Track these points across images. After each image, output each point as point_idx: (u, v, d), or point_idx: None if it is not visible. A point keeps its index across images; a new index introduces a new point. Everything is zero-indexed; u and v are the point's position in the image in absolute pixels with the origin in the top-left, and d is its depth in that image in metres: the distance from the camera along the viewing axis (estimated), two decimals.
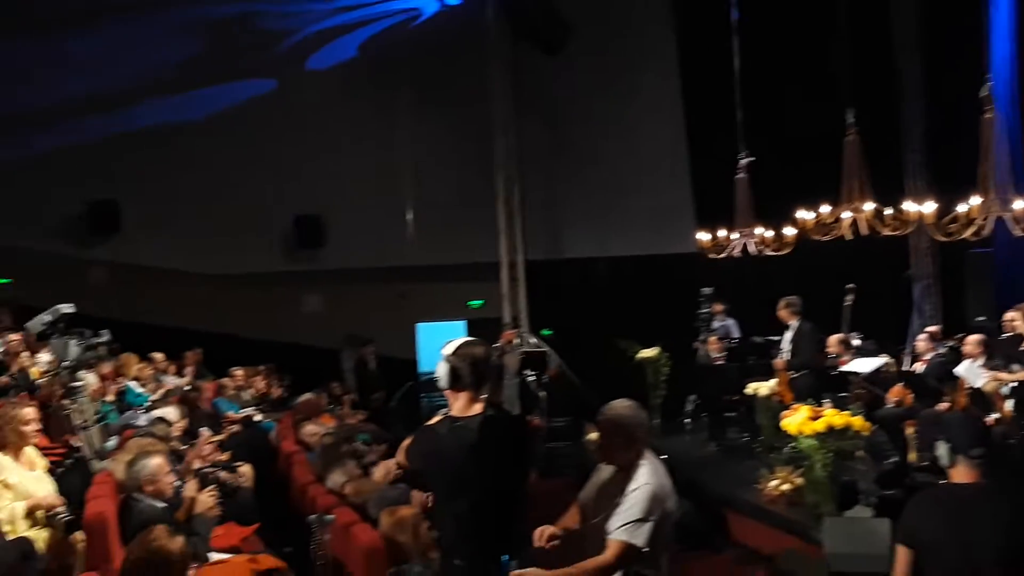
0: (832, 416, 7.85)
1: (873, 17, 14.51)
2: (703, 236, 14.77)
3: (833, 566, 6.89)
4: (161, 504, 6.04)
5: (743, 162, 13.47)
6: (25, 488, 6.19)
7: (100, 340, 8.80)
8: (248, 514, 7.73)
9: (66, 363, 8.29)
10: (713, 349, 13.05)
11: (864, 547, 6.67)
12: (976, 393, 9.46)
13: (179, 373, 13.05)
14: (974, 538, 4.07)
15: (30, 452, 6.57)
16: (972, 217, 10.51)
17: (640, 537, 4.47)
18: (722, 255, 14.14)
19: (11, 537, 5.83)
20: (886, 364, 11.24)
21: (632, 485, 4.59)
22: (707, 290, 13.44)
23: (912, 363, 11.74)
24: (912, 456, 9.43)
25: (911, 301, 15.59)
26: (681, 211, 16.89)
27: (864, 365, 10.80)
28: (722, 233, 14.13)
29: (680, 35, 17.14)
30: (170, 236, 15.56)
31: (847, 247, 12.23)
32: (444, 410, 4.71)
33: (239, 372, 13.15)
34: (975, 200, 10.44)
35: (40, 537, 6.02)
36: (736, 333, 14.03)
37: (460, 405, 4.59)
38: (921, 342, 11.70)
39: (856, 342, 12.02)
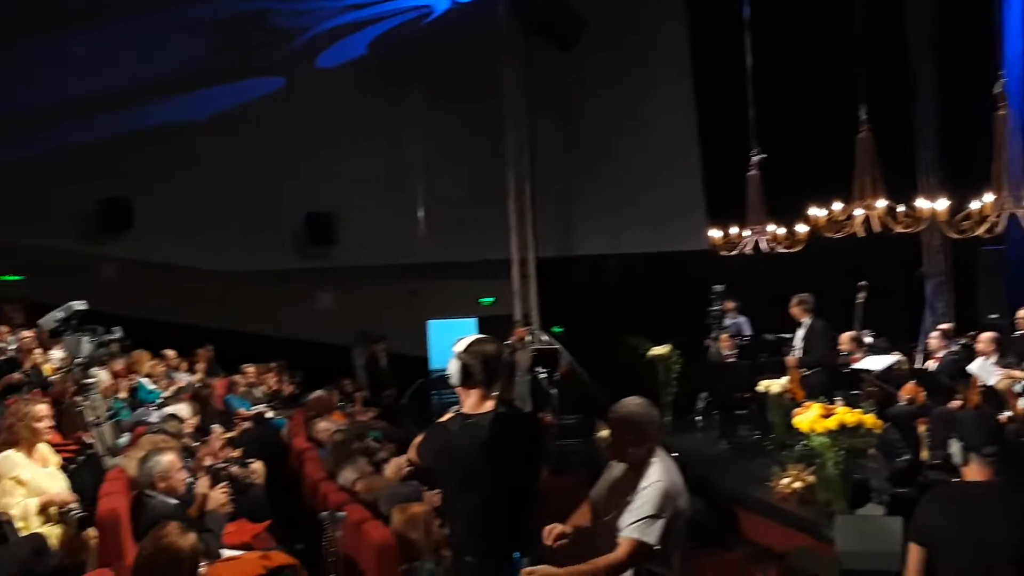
0: (844, 414, 7.82)
1: (886, 14, 14.45)
2: (715, 233, 14.75)
3: (845, 564, 6.86)
4: (173, 501, 6.06)
5: (755, 159, 13.44)
6: (38, 484, 6.20)
7: (112, 337, 8.84)
8: (260, 511, 7.74)
9: (78, 360, 8.34)
10: (724, 346, 13.02)
11: (876, 545, 6.64)
12: (989, 391, 9.41)
13: (191, 370, 13.09)
14: (987, 536, 4.06)
15: (43, 449, 6.59)
16: (985, 214, 10.46)
17: (652, 535, 4.46)
18: (734, 252, 14.11)
19: (24, 533, 5.84)
20: (898, 362, 11.19)
21: (644, 483, 4.57)
22: (719, 287, 13.41)
23: (924, 361, 11.70)
24: (924, 454, 9.40)
25: (923, 298, 15.55)
26: (693, 208, 16.88)
27: (876, 363, 10.76)
28: (734, 230, 14.10)
29: (693, 32, 17.14)
30: (181, 233, 15.60)
31: (859, 244, 12.20)
32: (456, 407, 4.70)
33: (251, 369, 13.18)
34: (988, 197, 10.39)
35: (53, 533, 6.04)
36: (748, 330, 13.99)
37: (472, 402, 4.58)
38: (933, 339, 11.64)
39: (868, 339, 11.97)
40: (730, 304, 13.94)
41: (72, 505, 6.14)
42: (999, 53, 12.89)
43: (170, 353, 12.84)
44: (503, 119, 16.49)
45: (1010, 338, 10.36)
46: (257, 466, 8.83)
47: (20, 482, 6.14)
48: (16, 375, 9.65)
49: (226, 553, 6.11)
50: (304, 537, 6.86)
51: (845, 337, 11.45)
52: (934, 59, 14.91)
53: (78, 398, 8.39)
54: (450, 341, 4.79)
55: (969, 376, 9.71)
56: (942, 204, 11.12)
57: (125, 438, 8.61)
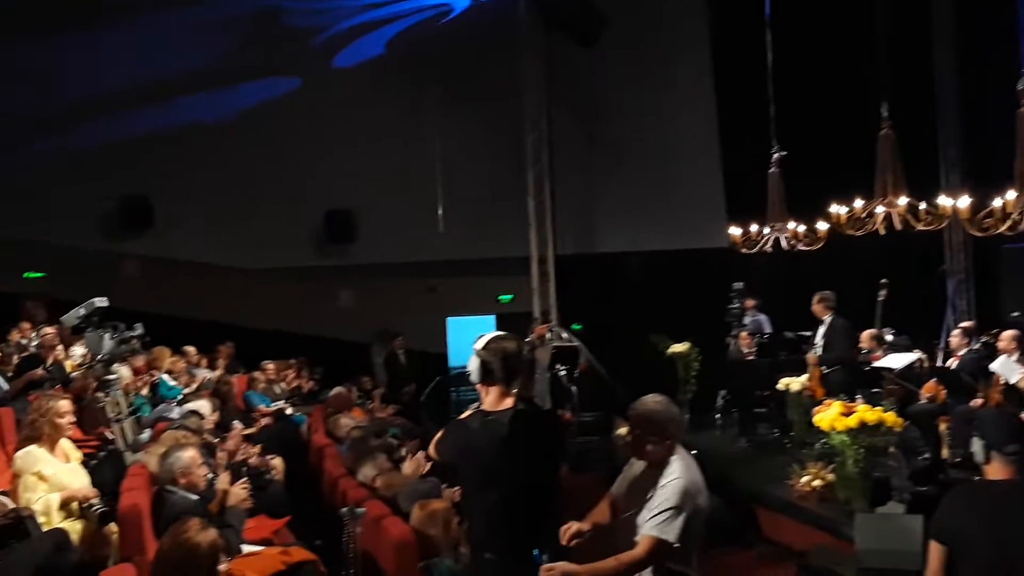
0: (864, 412, 7.80)
1: (909, 11, 14.37)
2: (735, 231, 14.65)
3: (865, 562, 6.85)
4: (194, 496, 6.07)
5: (775, 156, 13.37)
6: (60, 480, 6.24)
7: (133, 334, 8.86)
8: (279, 507, 7.78)
9: (100, 356, 8.37)
10: (744, 344, 13.00)
11: (896, 544, 6.62)
12: (1010, 389, 9.34)
13: (211, 366, 13.16)
14: (1008, 534, 4.03)
15: (65, 444, 6.62)
16: (1007, 212, 10.36)
17: (671, 532, 4.44)
18: (754, 250, 14.04)
19: (46, 528, 5.87)
20: (919, 360, 11.14)
21: (663, 480, 4.55)
22: (738, 285, 13.39)
23: (946, 359, 11.64)
24: (945, 452, 9.36)
25: (945, 296, 15.49)
26: (713, 205, 16.84)
27: (897, 361, 10.71)
28: (754, 228, 14.02)
29: (714, 29, 17.09)
30: (202, 230, 15.69)
31: (880, 242, 12.12)
32: (475, 404, 4.70)
33: (270, 366, 13.23)
34: (1011, 195, 10.30)
35: (74, 529, 6.07)
36: (767, 328, 13.96)
37: (491, 399, 4.58)
38: (955, 338, 11.56)
39: (889, 337, 11.92)
40: (750, 302, 13.91)
41: (94, 500, 6.17)
42: (1021, 50, 12.81)
43: (191, 350, 12.90)
44: (523, 116, 16.47)
45: None
46: (277, 462, 8.87)
47: (42, 477, 6.18)
48: (38, 371, 9.71)
49: (246, 549, 6.13)
50: (323, 533, 6.88)
51: (866, 335, 11.42)
52: (957, 56, 14.85)
53: (100, 394, 8.44)
54: (469, 338, 4.79)
55: (991, 374, 9.64)
56: (964, 202, 11.01)
57: (146, 434, 8.65)
